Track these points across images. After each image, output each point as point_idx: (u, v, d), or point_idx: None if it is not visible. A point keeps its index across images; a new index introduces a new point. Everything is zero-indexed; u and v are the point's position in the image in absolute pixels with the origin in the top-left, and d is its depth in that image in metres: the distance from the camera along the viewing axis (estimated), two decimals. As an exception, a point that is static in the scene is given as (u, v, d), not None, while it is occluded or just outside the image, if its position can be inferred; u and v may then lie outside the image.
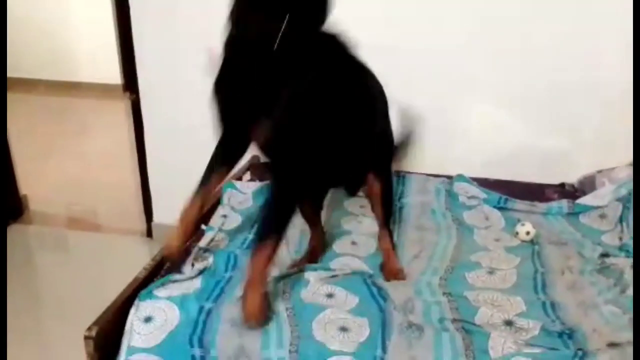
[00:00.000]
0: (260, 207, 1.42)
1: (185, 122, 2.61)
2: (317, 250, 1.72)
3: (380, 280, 1.54)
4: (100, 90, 5.38)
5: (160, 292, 1.43)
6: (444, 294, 1.49)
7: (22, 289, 2.48)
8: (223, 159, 1.54)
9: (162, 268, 1.61)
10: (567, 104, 2.22)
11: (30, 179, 3.37)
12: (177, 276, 1.50)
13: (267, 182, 2.16)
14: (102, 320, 1.31)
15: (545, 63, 2.18)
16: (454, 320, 1.36)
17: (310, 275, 1.54)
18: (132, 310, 1.37)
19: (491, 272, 1.64)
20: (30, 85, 5.38)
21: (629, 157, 2.15)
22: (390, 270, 1.61)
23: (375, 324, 1.35)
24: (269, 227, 1.35)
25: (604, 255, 1.68)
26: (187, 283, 1.49)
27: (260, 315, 1.30)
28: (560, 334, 1.32)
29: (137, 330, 1.33)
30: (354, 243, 1.79)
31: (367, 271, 1.60)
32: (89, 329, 1.27)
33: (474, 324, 1.36)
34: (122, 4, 2.46)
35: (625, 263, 1.60)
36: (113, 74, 5.13)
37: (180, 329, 1.33)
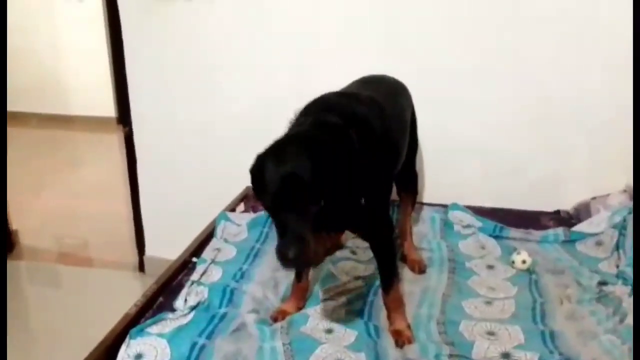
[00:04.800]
0: (379, 261, 1.52)
1: (178, 155, 2.61)
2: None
3: (377, 318, 1.54)
4: (93, 123, 5.40)
5: (151, 329, 1.40)
6: (440, 333, 1.46)
7: (12, 324, 2.42)
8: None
9: (154, 304, 1.58)
10: (560, 132, 2.23)
11: (22, 213, 3.33)
12: (169, 315, 1.47)
13: (263, 212, 2.16)
14: (91, 358, 1.28)
15: (535, 89, 2.20)
16: (450, 356, 1.33)
17: (310, 311, 1.53)
18: (123, 348, 1.34)
19: (489, 302, 1.62)
20: (23, 118, 5.39)
21: (623, 183, 2.16)
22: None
23: (372, 359, 1.33)
24: (393, 272, 1.52)
25: (602, 283, 1.67)
26: (179, 319, 1.46)
27: (411, 332, 1.45)
28: (560, 366, 1.30)
29: (127, 369, 1.29)
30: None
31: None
32: (77, 368, 1.24)
33: (471, 359, 1.33)
34: (116, 38, 2.48)
35: (623, 291, 1.58)
36: (106, 107, 5.16)
37: (172, 366, 1.29)
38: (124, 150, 2.70)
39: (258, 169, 1.20)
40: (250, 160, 2.58)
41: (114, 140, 4.41)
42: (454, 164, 2.35)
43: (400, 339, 1.42)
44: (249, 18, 2.33)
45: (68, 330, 2.42)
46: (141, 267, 2.88)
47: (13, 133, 4.88)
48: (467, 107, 2.27)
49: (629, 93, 2.06)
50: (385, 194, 1.54)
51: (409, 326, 1.47)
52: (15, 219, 3.18)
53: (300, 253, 1.11)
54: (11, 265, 3.02)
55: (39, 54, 5.41)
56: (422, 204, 2.25)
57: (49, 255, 3.16)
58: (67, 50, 5.36)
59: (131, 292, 2.23)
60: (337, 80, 1.71)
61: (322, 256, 1.20)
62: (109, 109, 5.13)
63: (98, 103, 5.29)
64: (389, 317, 1.50)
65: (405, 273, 1.78)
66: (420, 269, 1.80)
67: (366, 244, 1.86)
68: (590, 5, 2.06)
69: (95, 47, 4.87)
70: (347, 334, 1.43)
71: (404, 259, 1.83)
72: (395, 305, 1.50)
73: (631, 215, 1.88)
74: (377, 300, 1.60)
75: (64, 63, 5.41)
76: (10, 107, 5.15)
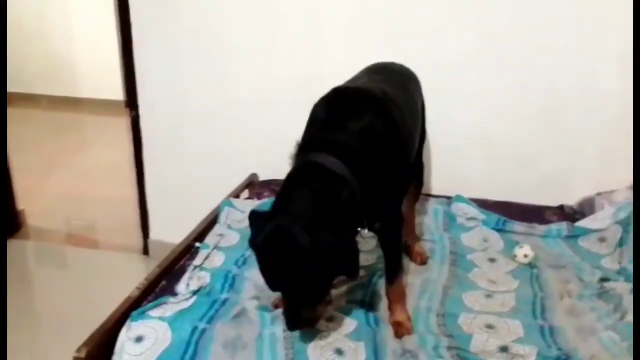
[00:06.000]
0: (386, 253, 1.54)
1: (184, 140, 2.62)
2: None
3: (377, 308, 1.54)
4: (102, 106, 5.42)
5: (153, 312, 1.41)
6: (439, 325, 1.47)
7: (17, 304, 2.46)
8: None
9: (156, 287, 1.59)
10: (567, 125, 2.22)
11: (29, 194, 3.36)
12: (171, 298, 1.49)
13: (267, 199, 2.17)
14: (92, 340, 1.29)
15: (542, 84, 2.18)
16: (449, 348, 1.34)
17: None
18: (123, 330, 1.36)
19: (489, 295, 1.62)
20: (32, 100, 5.41)
21: (629, 179, 2.14)
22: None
23: (371, 349, 1.34)
24: (399, 264, 1.54)
25: (603, 279, 1.66)
26: (181, 303, 1.47)
27: (411, 324, 1.47)
28: (557, 360, 1.30)
29: (127, 350, 1.31)
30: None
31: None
32: (79, 350, 1.25)
33: (469, 351, 1.34)
34: (124, 21, 2.48)
35: (624, 288, 1.57)
36: (115, 90, 5.17)
37: (172, 349, 1.31)
38: (131, 134, 2.71)
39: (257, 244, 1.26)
40: (255, 147, 2.59)
41: (122, 123, 4.42)
42: (460, 156, 2.34)
43: (400, 330, 1.43)
44: (258, 2, 2.32)
45: (72, 310, 2.45)
46: (145, 250, 2.91)
47: (23, 114, 4.93)
48: (475, 100, 2.26)
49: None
50: (399, 191, 1.55)
51: (409, 318, 1.48)
52: (23, 200, 3.21)
53: (300, 328, 1.33)
54: (17, 244, 3.05)
55: (50, 36, 5.42)
56: (427, 195, 2.25)
57: (55, 236, 3.19)
58: (78, 33, 5.36)
59: (135, 274, 2.25)
60: (344, 66, 1.70)
61: (319, 320, 1.37)
62: (118, 92, 5.14)
63: (107, 86, 5.30)
64: (390, 308, 1.50)
65: (407, 264, 1.78)
66: (422, 260, 1.81)
67: (369, 234, 1.87)
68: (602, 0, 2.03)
69: (105, 30, 4.87)
70: (347, 322, 1.44)
71: (407, 250, 1.83)
72: (397, 297, 1.51)
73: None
74: (378, 290, 1.61)
75: (74, 46, 5.41)
76: (21, 88, 5.22)
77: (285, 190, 1.29)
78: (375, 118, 1.38)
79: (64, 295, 2.59)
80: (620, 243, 1.84)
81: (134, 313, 1.40)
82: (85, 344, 1.28)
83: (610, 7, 2.04)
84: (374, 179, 1.34)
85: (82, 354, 1.25)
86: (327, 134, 1.35)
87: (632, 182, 2.12)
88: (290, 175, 1.32)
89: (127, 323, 1.37)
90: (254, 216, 1.33)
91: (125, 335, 1.34)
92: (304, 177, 1.29)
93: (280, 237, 1.21)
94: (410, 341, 1.37)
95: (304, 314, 1.30)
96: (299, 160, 1.36)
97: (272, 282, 1.27)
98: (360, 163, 1.31)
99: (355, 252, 1.28)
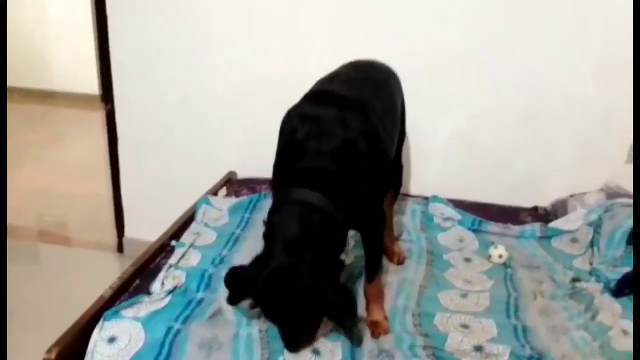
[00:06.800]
0: (367, 252, 1.53)
1: (161, 136, 2.58)
2: None
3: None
4: (78, 100, 5.32)
5: (126, 312, 1.39)
6: (415, 325, 1.48)
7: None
8: None
9: (130, 286, 1.57)
10: (542, 129, 2.25)
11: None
12: (145, 298, 1.46)
13: (245, 198, 2.15)
14: (63, 341, 1.26)
15: (520, 86, 2.21)
16: (424, 347, 1.35)
17: None
18: (96, 330, 1.33)
19: (464, 294, 1.64)
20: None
21: (601, 181, 2.19)
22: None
23: (347, 349, 1.34)
24: (379, 264, 1.55)
25: (575, 279, 1.70)
26: (155, 302, 1.45)
27: (388, 324, 1.46)
28: (529, 359, 1.32)
29: (99, 351, 1.28)
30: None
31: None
32: (49, 350, 1.22)
33: (444, 351, 1.35)
34: (100, 13, 2.44)
35: (595, 288, 1.61)
36: (91, 84, 5.08)
37: (146, 350, 1.29)
38: (106, 129, 2.66)
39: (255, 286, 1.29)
40: (233, 145, 2.57)
41: (98, 117, 4.35)
42: (439, 158, 2.36)
43: (377, 330, 1.43)
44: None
45: (43, 309, 2.40)
46: (120, 248, 2.86)
47: (-7, 107, 4.81)
48: (455, 103, 2.28)
49: (615, 94, 2.08)
50: (381, 195, 1.55)
51: (386, 317, 1.48)
52: (-7, 195, 3.13)
53: (300, 349, 1.34)
54: (-13, 241, 2.98)
55: (23, 26, 5.29)
56: (405, 195, 2.26)
57: (27, 233, 3.12)
58: (53, 25, 5.25)
59: (109, 273, 2.21)
60: (325, 65, 1.69)
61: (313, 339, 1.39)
62: (94, 86, 5.05)
63: (83, 79, 5.21)
64: (367, 307, 1.50)
65: (384, 264, 1.78)
66: (399, 260, 1.82)
67: (350, 232, 1.87)
68: (583, 5, 2.07)
69: (82, 22, 4.78)
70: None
71: (385, 250, 1.84)
72: (375, 296, 1.51)
73: (607, 214, 1.92)
74: (355, 289, 1.61)
75: (49, 38, 5.30)
76: (-8, 80, 5.08)
77: (274, 236, 1.31)
78: (355, 134, 1.36)
79: (35, 294, 2.53)
80: (592, 244, 1.88)
81: (107, 313, 1.37)
82: (56, 344, 1.25)
83: (588, 14, 2.07)
84: (357, 195, 1.36)
85: (53, 355, 1.22)
86: (305, 160, 1.34)
87: (602, 184, 2.17)
88: (275, 219, 1.33)
89: (100, 323, 1.34)
90: (234, 273, 1.36)
91: (97, 336, 1.31)
92: (291, 220, 1.29)
93: (282, 280, 1.25)
94: (386, 341, 1.38)
95: (301, 341, 1.34)
96: (280, 197, 1.36)
97: (273, 319, 1.32)
98: (342, 187, 1.33)
99: (353, 306, 1.33)
